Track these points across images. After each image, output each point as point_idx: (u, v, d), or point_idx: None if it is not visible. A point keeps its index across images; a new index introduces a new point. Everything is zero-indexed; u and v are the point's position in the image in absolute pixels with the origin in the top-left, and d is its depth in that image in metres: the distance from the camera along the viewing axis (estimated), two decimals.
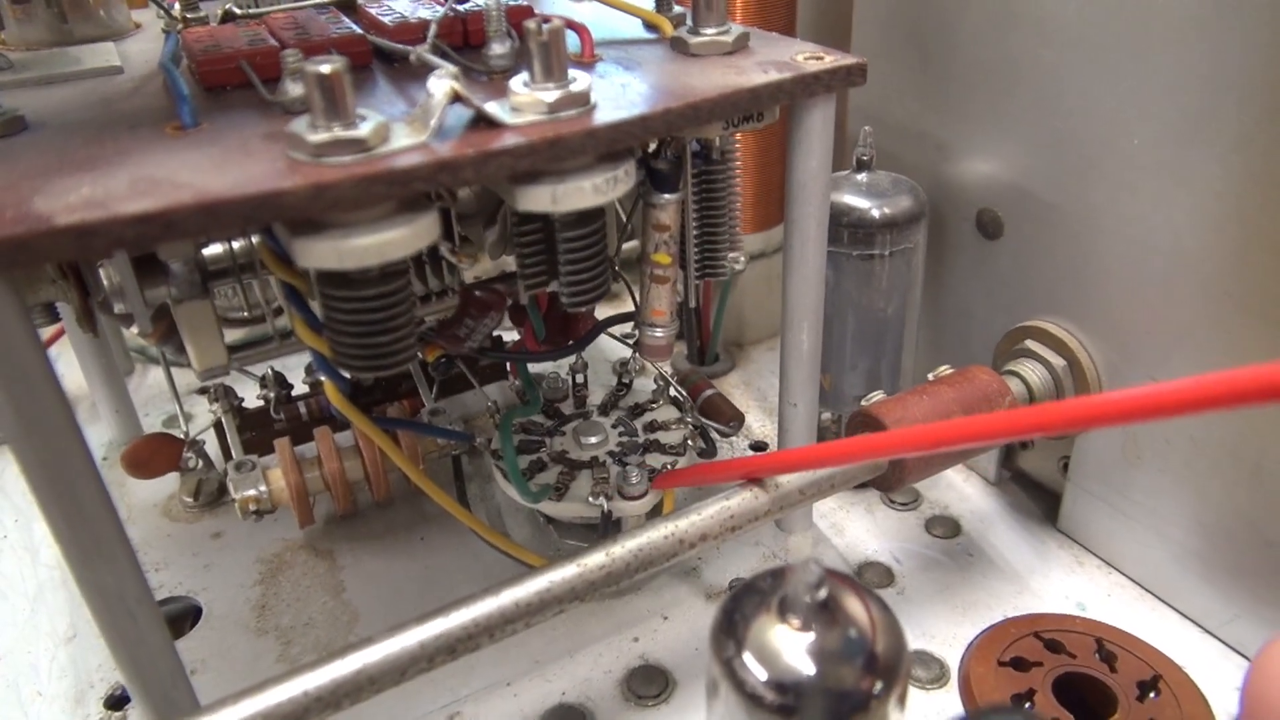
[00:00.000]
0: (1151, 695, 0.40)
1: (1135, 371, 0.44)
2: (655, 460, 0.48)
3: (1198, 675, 0.40)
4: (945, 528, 0.51)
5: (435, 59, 0.35)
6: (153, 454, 0.51)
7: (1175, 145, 0.39)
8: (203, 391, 0.64)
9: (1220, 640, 0.44)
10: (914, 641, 0.44)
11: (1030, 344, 0.47)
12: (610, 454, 0.48)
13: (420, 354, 0.43)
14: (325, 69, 0.28)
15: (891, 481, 0.42)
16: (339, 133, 0.29)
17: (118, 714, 0.42)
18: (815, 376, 0.45)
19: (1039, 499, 0.53)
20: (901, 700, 0.28)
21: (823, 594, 0.27)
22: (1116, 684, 0.40)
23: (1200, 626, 0.44)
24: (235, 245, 0.41)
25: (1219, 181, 0.38)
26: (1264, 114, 0.36)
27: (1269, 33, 0.35)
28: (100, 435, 0.59)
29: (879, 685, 0.27)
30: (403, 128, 0.31)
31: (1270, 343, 0.38)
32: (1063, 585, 0.48)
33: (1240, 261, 0.38)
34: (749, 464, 0.40)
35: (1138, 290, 0.43)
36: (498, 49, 0.37)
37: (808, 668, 0.27)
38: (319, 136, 0.29)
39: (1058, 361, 0.46)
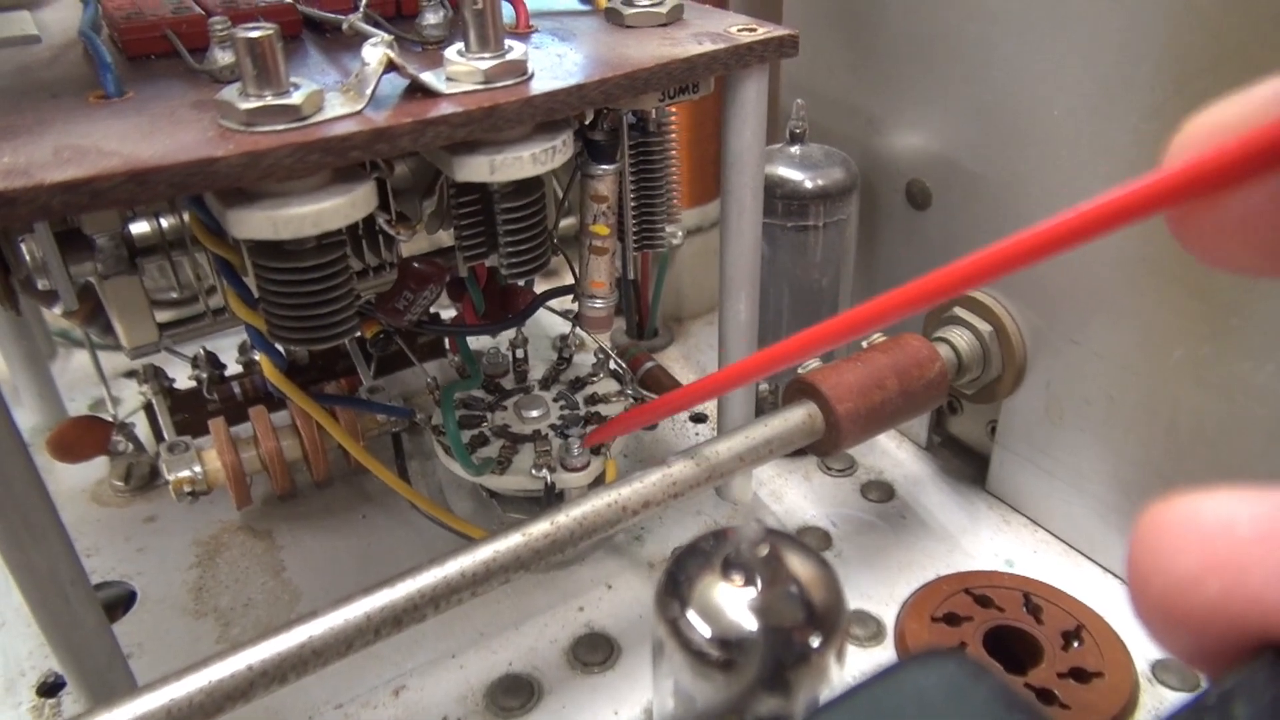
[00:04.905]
0: (1075, 644, 0.42)
1: (1057, 334, 0.46)
2: None
3: (1117, 623, 0.42)
4: (880, 492, 0.53)
5: (368, 28, 0.35)
6: (79, 437, 0.50)
7: (1092, 115, 0.41)
8: (130, 374, 0.62)
9: None
10: (851, 601, 0.46)
11: (958, 311, 0.49)
12: (552, 427, 0.48)
13: (358, 331, 0.43)
14: (255, 34, 0.28)
15: (828, 446, 0.43)
16: (271, 100, 0.28)
17: (51, 701, 0.41)
18: (753, 346, 0.46)
19: (968, 462, 0.54)
20: (840, 654, 0.29)
21: (764, 551, 0.28)
22: (1043, 635, 0.42)
23: (1119, 578, 0.47)
24: (164, 222, 0.40)
25: (1133, 150, 0.40)
26: (1175, 84, 0.37)
27: (1180, 3, 0.36)
28: (23, 421, 0.57)
29: (819, 638, 0.28)
30: (337, 97, 0.31)
31: (1181, 304, 0.40)
32: (991, 544, 0.49)
33: (1153, 228, 0.40)
34: (672, 399, 0.40)
35: (1059, 257, 0.44)
36: (431, 18, 0.37)
37: (750, 623, 0.27)
38: (251, 104, 0.28)
39: (984, 327, 0.48)
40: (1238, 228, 0.13)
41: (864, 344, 0.46)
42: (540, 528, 0.36)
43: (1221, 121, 0.13)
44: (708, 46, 0.37)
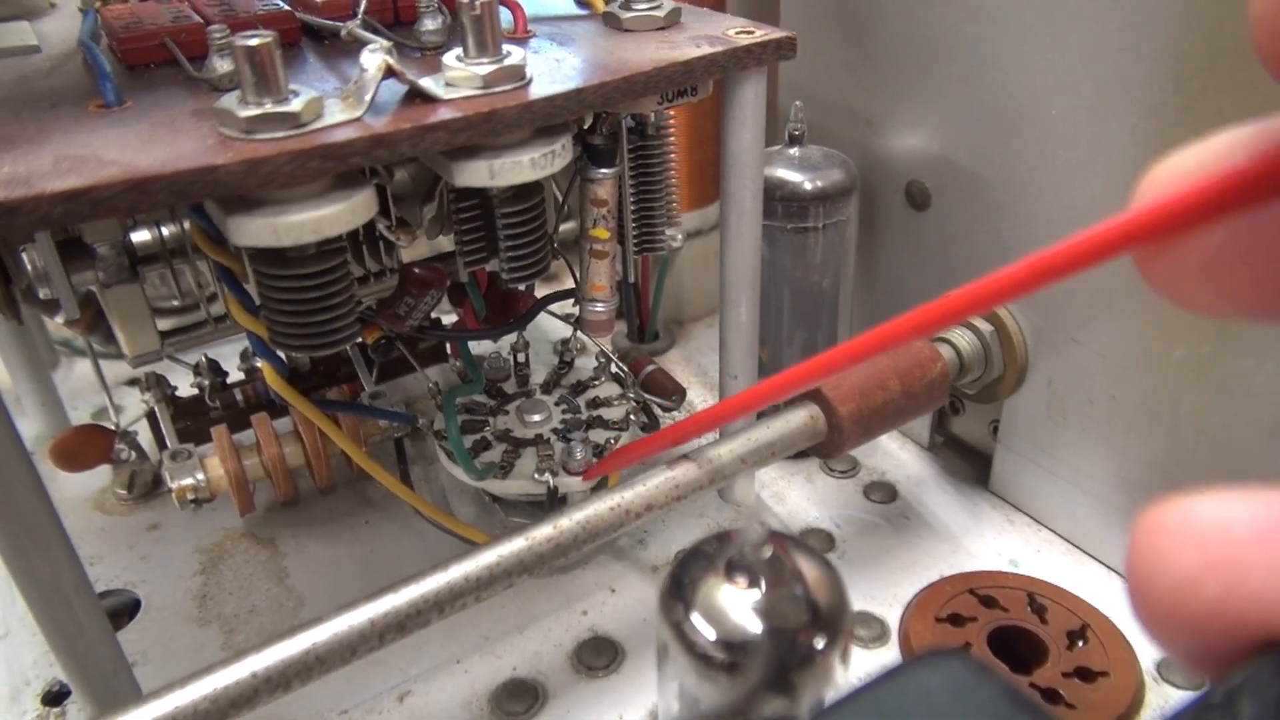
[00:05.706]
0: (1080, 643, 0.42)
1: (1059, 334, 0.46)
2: (599, 436, 0.48)
3: (1122, 622, 0.42)
4: (883, 493, 0.53)
5: (367, 34, 0.35)
6: (82, 445, 0.50)
7: (1091, 115, 0.41)
8: (133, 383, 0.63)
9: None
10: (855, 603, 0.45)
11: None
12: (554, 431, 0.48)
13: (360, 337, 0.43)
14: (254, 42, 0.28)
15: (830, 448, 0.43)
16: (270, 108, 0.28)
17: (56, 710, 0.41)
18: (754, 349, 0.46)
19: (971, 462, 0.54)
20: (845, 655, 0.29)
21: (767, 552, 0.28)
22: (1047, 634, 0.42)
23: (1123, 576, 0.46)
24: (165, 231, 0.40)
25: (1132, 149, 0.40)
26: (1174, 83, 0.37)
27: (1179, 3, 0.36)
28: (25, 430, 0.57)
29: (823, 640, 0.28)
30: (336, 103, 0.31)
31: None
32: (995, 544, 0.49)
33: None
34: (676, 430, 0.40)
35: None
36: (430, 24, 0.37)
37: (754, 625, 0.27)
38: (250, 112, 0.28)
39: (985, 328, 0.48)
40: (1197, 271, 0.13)
41: None
42: (543, 532, 0.36)
43: (1181, 169, 0.13)
44: (705, 49, 0.37)
